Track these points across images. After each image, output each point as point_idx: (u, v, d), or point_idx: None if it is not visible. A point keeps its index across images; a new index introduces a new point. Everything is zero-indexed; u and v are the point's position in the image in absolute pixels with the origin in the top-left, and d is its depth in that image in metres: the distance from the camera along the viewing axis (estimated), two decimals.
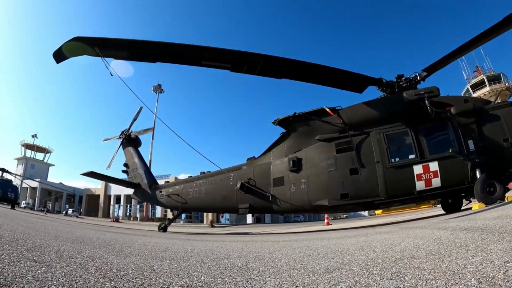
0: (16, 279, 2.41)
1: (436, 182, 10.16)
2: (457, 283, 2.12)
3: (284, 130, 13.41)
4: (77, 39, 10.66)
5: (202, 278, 2.97)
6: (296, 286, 2.53)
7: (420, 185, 10.28)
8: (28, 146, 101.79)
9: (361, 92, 12.62)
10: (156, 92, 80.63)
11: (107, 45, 11.13)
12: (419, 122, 10.95)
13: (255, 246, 6.45)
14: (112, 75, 11.45)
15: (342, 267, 3.22)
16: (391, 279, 2.46)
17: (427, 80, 11.86)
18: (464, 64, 55.99)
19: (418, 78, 11.80)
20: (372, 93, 12.94)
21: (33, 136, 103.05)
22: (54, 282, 2.44)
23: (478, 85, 52.95)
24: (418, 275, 2.48)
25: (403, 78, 12.10)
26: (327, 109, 11.85)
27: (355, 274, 2.79)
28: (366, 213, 54.35)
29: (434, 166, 10.23)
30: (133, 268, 3.38)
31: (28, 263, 3.10)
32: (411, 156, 10.69)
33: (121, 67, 11.53)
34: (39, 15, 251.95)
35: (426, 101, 10.54)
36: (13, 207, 39.90)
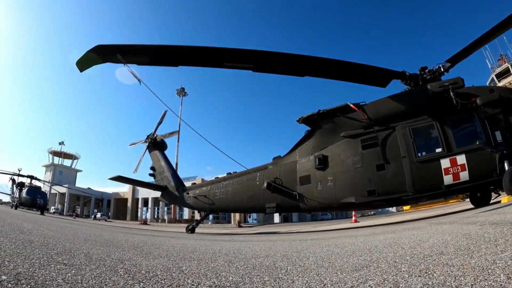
0: (47, 282, 2.48)
1: (464, 175, 9.91)
2: (486, 279, 2.11)
3: (308, 128, 13.33)
4: (99, 47, 10.81)
5: (230, 278, 3.02)
6: (324, 285, 2.55)
7: (448, 179, 10.04)
8: (55, 153, 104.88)
9: (384, 86, 12.42)
10: (179, 96, 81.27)
11: (129, 51, 11.24)
12: (445, 115, 10.70)
13: (282, 245, 6.48)
14: (140, 82, 11.54)
15: (370, 264, 3.22)
16: (420, 276, 2.45)
17: (450, 71, 11.61)
18: (488, 52, 54.47)
19: (442, 70, 11.51)
20: (396, 87, 12.75)
21: (60, 144, 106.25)
22: (84, 285, 2.52)
23: (503, 74, 51.37)
24: (447, 271, 2.47)
25: (427, 70, 11.84)
26: (351, 105, 11.70)
27: (383, 272, 2.79)
28: (394, 209, 53.43)
29: (461, 159, 9.98)
30: (162, 269, 3.46)
31: (58, 266, 3.18)
32: (438, 150, 10.45)
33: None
34: (62, 25, 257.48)
35: (451, 93, 10.28)
36: (42, 213, 40.78)
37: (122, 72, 11.26)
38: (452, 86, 10.40)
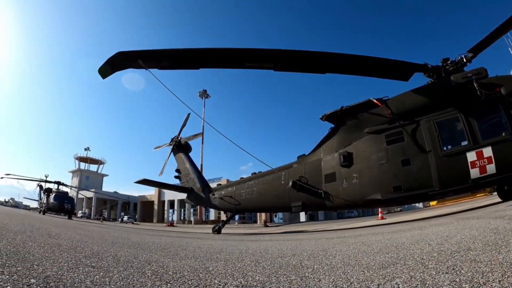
0: (75, 284, 2.56)
1: (491, 168, 9.64)
2: None
3: (332, 126, 13.29)
4: (120, 54, 11.00)
5: (257, 277, 3.07)
6: (351, 283, 2.58)
7: (474, 173, 9.80)
8: (81, 159, 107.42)
9: (407, 80, 12.22)
10: (202, 98, 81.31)
11: (150, 57, 11.42)
12: (469, 106, 10.45)
13: (309, 244, 6.49)
14: (152, 85, 11.67)
15: (397, 262, 3.22)
16: (447, 273, 2.46)
17: (473, 62, 11.34)
18: (510, 40, 52.91)
19: (464, 60, 11.22)
20: (419, 80, 12.52)
21: (86, 149, 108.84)
22: (112, 286, 2.60)
23: None
24: (475, 267, 2.46)
25: (449, 62, 11.58)
26: (374, 101, 11.57)
27: (410, 269, 2.80)
28: (420, 205, 52.55)
29: (487, 151, 9.73)
30: (189, 270, 3.52)
31: (86, 269, 3.27)
32: (464, 143, 10.24)
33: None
34: (84, 32, 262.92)
35: (475, 84, 10.06)
36: (70, 217, 41.61)
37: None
38: (475, 76, 10.19)
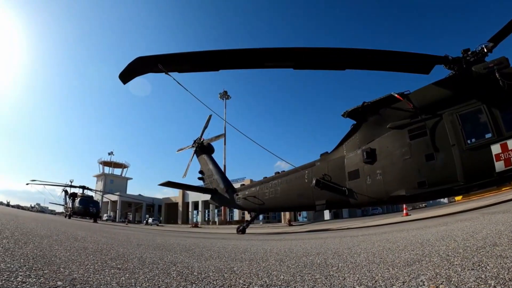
0: (101, 286, 2.63)
1: None
2: None
3: (354, 122, 13.22)
4: (139, 59, 11.17)
5: (282, 277, 3.11)
6: (376, 281, 2.60)
7: (499, 166, 9.58)
8: (105, 163, 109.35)
9: (428, 73, 12.03)
10: (223, 99, 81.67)
11: (169, 61, 11.53)
12: (492, 97, 10.21)
13: (333, 242, 6.50)
14: (175, 87, 11.75)
15: (422, 259, 3.22)
16: (473, 269, 2.46)
17: (494, 51, 11.10)
18: None
19: (485, 50, 10.95)
20: (440, 73, 12.32)
21: (109, 154, 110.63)
22: (138, 287, 2.66)
23: None
24: (500, 263, 2.46)
25: (469, 52, 11.31)
26: (396, 95, 11.43)
27: (435, 266, 2.80)
28: (445, 200, 51.62)
29: None
30: (214, 270, 3.58)
31: (112, 271, 3.33)
32: (488, 135, 10.05)
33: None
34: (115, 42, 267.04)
35: (497, 74, 9.82)
36: (95, 221, 42.57)
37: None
38: (497, 66, 9.96)
